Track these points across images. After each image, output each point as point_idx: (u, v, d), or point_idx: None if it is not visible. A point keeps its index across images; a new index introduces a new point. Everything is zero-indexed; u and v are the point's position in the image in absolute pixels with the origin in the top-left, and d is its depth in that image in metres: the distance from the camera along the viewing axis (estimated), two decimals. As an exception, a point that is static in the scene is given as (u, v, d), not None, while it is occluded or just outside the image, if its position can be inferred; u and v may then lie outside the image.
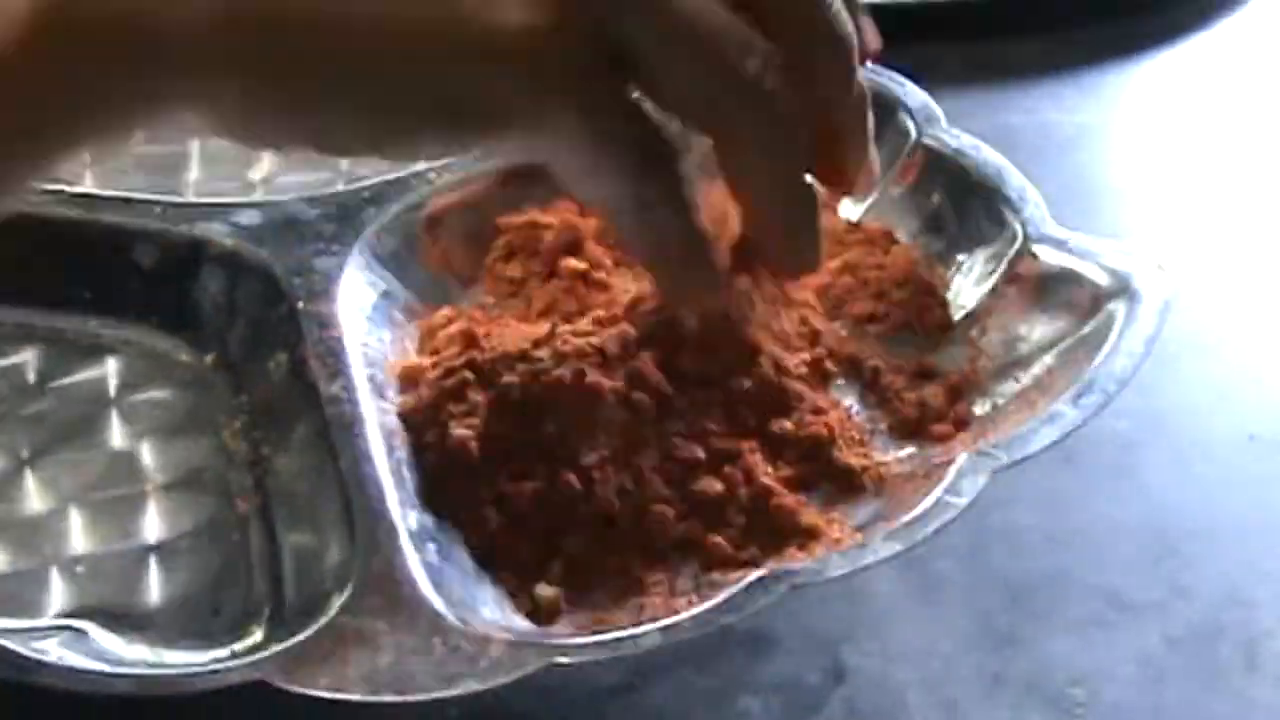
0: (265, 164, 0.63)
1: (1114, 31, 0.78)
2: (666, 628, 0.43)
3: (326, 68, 0.39)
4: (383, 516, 0.46)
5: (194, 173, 0.63)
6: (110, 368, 0.55)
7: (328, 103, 0.40)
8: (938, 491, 0.45)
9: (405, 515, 0.46)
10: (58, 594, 0.48)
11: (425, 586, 0.44)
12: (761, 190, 0.43)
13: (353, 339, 0.51)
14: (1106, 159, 0.72)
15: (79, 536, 0.50)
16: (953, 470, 0.45)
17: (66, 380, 0.55)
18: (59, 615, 0.47)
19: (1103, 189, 0.70)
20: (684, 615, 0.43)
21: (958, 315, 0.53)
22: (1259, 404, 0.57)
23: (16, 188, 0.40)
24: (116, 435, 0.53)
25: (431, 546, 0.46)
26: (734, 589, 0.43)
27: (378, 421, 0.49)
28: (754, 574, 0.44)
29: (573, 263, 0.54)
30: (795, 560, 0.46)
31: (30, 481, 0.52)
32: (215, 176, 0.63)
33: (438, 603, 0.44)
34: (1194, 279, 0.61)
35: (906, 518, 0.44)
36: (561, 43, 0.39)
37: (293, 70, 0.39)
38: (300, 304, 0.52)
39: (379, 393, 0.50)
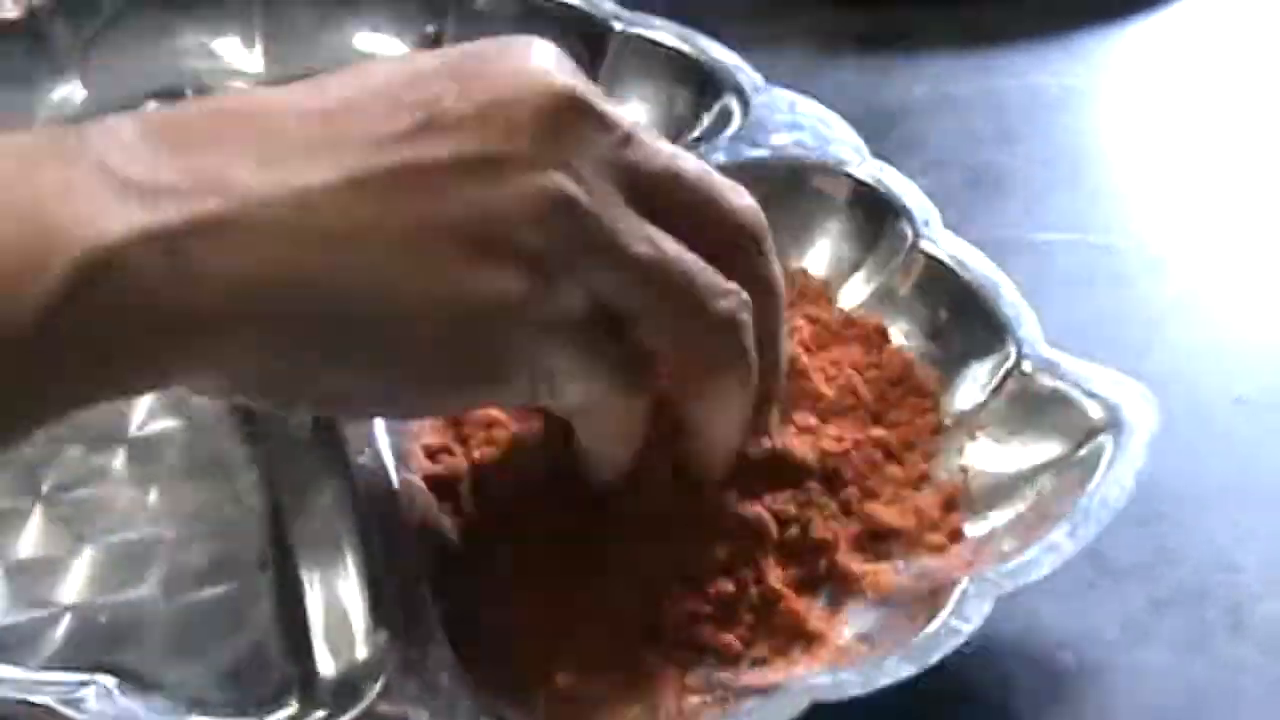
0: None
1: None
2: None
3: (332, 342, 0.42)
4: (414, 597, 0.48)
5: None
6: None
7: (334, 371, 0.43)
8: (944, 615, 0.48)
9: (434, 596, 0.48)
10: (64, 642, 0.49)
11: (460, 674, 0.46)
12: (719, 415, 0.49)
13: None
14: (1094, 122, 0.73)
15: (88, 582, 0.51)
16: (957, 594, 0.48)
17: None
18: (66, 666, 0.48)
19: (1090, 152, 0.72)
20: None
21: (946, 423, 0.56)
22: (1245, 366, 0.58)
23: (15, 440, 0.41)
24: (128, 474, 0.54)
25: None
26: (761, 702, 0.46)
27: (406, 495, 0.51)
28: (774, 683, 0.47)
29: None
30: (801, 664, 0.49)
31: (39, 520, 0.53)
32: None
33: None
34: (1180, 241, 0.65)
35: (918, 639, 0.47)
36: (548, 301, 0.43)
37: (301, 344, 0.42)
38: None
39: (404, 464, 0.52)
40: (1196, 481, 0.55)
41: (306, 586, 0.50)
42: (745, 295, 0.46)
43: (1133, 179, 0.70)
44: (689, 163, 0.47)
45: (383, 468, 0.51)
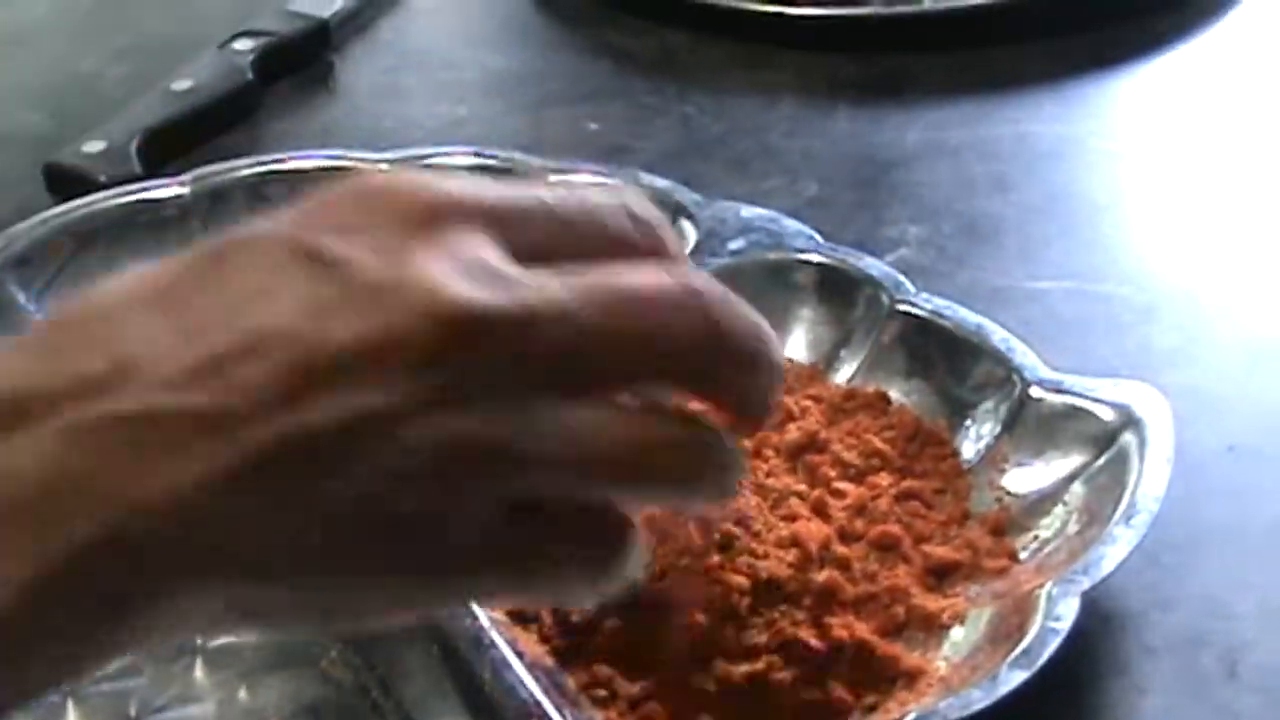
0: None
1: (1093, 43, 0.81)
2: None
3: (296, 564, 0.37)
4: (541, 718, 0.49)
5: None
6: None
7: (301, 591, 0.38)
8: (1039, 620, 0.50)
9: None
10: None
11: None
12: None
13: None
14: (1088, 170, 0.74)
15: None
16: (1044, 599, 0.51)
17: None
18: None
19: (1084, 200, 0.73)
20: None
21: (968, 463, 0.59)
22: (1239, 415, 0.57)
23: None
24: (210, 681, 0.55)
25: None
26: (898, 734, 0.48)
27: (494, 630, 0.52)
28: (905, 716, 0.48)
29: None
30: (911, 701, 0.51)
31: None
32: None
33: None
34: (1174, 289, 0.65)
35: (1021, 646, 0.50)
36: (465, 539, 0.38)
37: (271, 569, 0.37)
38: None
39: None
40: (1191, 528, 0.55)
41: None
42: (706, 428, 0.40)
43: (1127, 226, 0.71)
44: (616, 315, 0.38)
45: (472, 613, 0.52)
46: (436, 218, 0.38)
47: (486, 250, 0.38)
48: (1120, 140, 0.76)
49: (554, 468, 0.38)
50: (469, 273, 0.37)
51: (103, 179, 0.77)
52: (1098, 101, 0.80)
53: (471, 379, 0.37)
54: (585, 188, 0.42)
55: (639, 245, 0.40)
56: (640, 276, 0.39)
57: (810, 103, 0.79)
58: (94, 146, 0.80)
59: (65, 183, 0.78)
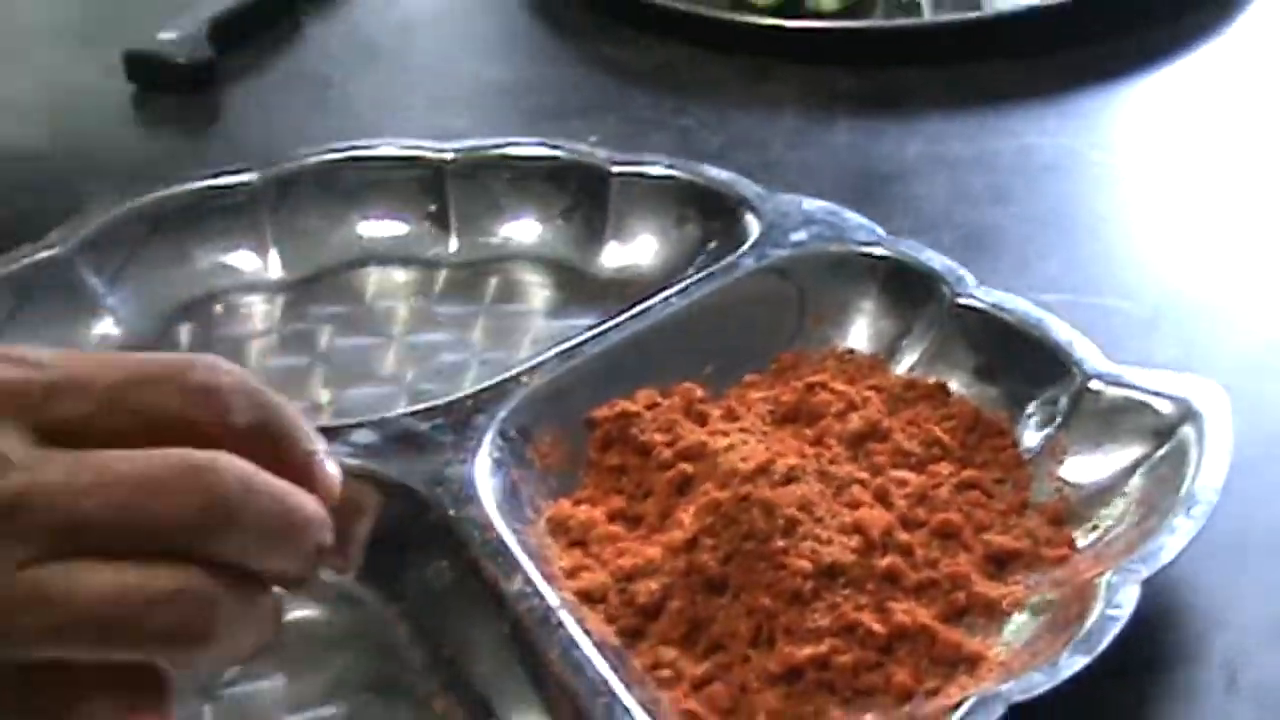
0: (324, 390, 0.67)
1: (1094, 56, 0.81)
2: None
3: None
4: (608, 697, 0.50)
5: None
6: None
7: None
8: (1099, 607, 0.51)
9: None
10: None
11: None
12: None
13: (509, 537, 0.56)
14: (1087, 183, 0.75)
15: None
16: (1104, 586, 0.52)
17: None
18: None
19: (1083, 212, 0.73)
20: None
21: (1028, 453, 0.60)
22: (1239, 425, 0.56)
23: None
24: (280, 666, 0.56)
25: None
26: (957, 716, 0.48)
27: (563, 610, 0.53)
28: (961, 701, 0.49)
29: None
30: (971, 686, 0.51)
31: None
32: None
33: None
34: (1173, 301, 0.66)
35: (1082, 632, 0.50)
36: None
37: None
38: (451, 511, 0.56)
39: (551, 584, 0.54)
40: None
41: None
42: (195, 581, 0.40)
43: (1126, 239, 0.72)
44: (105, 492, 0.40)
45: (540, 593, 0.53)
46: None
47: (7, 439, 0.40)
48: (1120, 153, 0.77)
49: (37, 631, 0.39)
50: None
51: (180, 60, 0.89)
52: (1098, 114, 0.80)
53: None
54: (151, 361, 0.43)
55: (193, 418, 0.41)
56: (148, 456, 0.40)
57: (810, 116, 0.80)
58: (168, 34, 0.90)
59: (144, 68, 0.89)
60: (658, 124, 0.82)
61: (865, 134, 0.78)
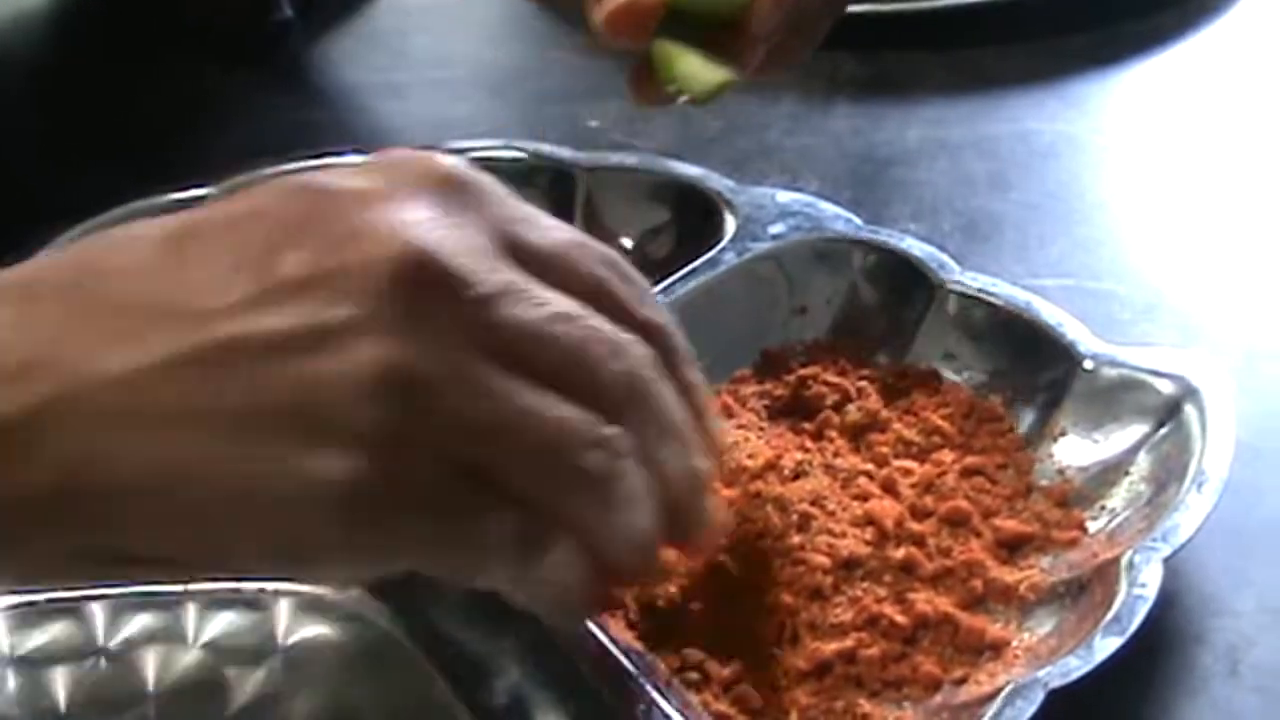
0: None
1: (1094, 40, 0.81)
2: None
3: (163, 523, 0.41)
4: (646, 704, 0.50)
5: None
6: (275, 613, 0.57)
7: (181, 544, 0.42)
8: (1125, 587, 0.51)
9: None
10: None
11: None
12: (614, 557, 0.43)
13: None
14: (1087, 168, 0.75)
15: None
16: (1125, 566, 0.52)
17: (219, 633, 0.56)
18: None
19: (1083, 197, 0.73)
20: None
21: (1025, 437, 0.60)
22: (1240, 411, 0.56)
23: None
24: (287, 683, 0.55)
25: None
26: (1000, 705, 0.48)
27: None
28: (996, 689, 0.49)
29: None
30: (999, 672, 0.52)
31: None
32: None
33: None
34: (1173, 286, 0.66)
35: (1111, 613, 0.51)
36: (388, 479, 0.40)
37: (133, 529, 0.41)
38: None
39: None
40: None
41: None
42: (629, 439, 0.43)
43: (1126, 224, 0.72)
44: (567, 326, 0.43)
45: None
46: (458, 189, 0.43)
47: (480, 238, 0.42)
48: (1120, 138, 0.77)
49: (475, 427, 0.41)
50: (458, 237, 0.42)
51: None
52: (1097, 99, 0.80)
53: (421, 319, 0.40)
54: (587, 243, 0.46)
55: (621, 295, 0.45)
56: (606, 322, 0.43)
57: (809, 100, 0.80)
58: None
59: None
60: (658, 109, 0.81)
61: (865, 119, 0.78)
